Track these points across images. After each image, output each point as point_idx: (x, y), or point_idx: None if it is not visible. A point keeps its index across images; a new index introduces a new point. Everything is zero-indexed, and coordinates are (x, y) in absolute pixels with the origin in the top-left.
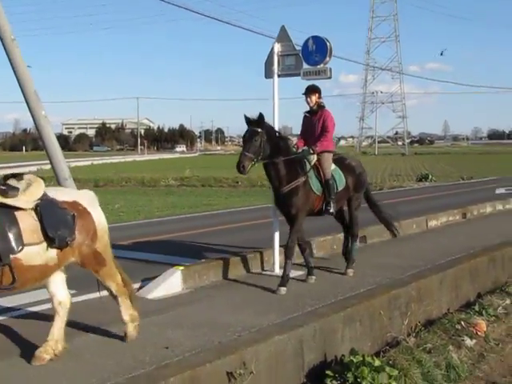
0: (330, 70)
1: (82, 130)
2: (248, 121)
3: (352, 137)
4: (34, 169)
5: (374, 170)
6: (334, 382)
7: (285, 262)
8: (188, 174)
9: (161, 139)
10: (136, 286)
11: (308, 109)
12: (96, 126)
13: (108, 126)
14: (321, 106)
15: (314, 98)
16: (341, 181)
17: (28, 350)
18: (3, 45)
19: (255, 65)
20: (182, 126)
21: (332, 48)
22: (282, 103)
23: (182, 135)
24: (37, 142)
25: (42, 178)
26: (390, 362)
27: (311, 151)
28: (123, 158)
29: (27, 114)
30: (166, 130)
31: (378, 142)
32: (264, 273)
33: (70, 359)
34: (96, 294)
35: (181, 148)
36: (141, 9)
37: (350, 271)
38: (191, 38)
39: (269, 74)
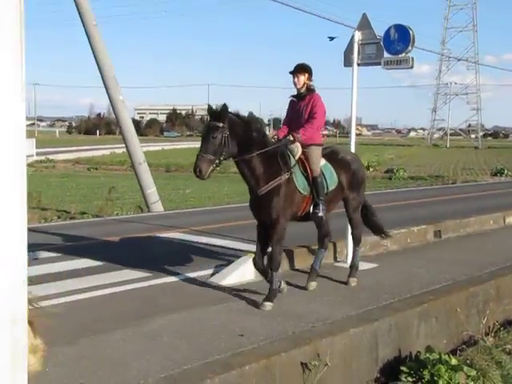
0: (412, 59)
1: (153, 116)
2: (210, 113)
3: (423, 129)
4: (107, 152)
5: (446, 163)
6: (409, 378)
7: (270, 275)
8: None
9: None
10: (209, 271)
11: (295, 92)
12: (167, 111)
13: (178, 112)
14: (310, 90)
15: (303, 78)
16: (332, 178)
17: (106, 328)
18: (85, 30)
19: (331, 54)
20: (250, 113)
21: (415, 37)
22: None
23: None
24: (110, 126)
25: None
26: (468, 361)
27: (291, 138)
28: (193, 143)
29: (102, 99)
30: None
31: (450, 135)
32: (337, 264)
33: (147, 341)
34: (171, 278)
35: None
36: None
37: (352, 280)
38: (264, 24)
39: (348, 62)
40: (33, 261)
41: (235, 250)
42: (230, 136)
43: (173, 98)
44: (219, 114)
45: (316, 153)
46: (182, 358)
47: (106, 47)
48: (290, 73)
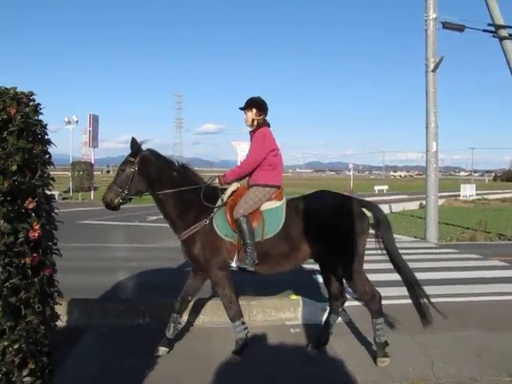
0: None
1: None
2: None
3: None
4: None
5: None
6: None
7: (234, 325)
8: None
9: None
10: None
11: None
12: None
13: None
14: (258, 126)
15: (250, 114)
16: (273, 224)
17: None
18: None
19: None
20: None
21: None
22: None
23: None
24: None
25: None
26: None
27: (216, 181)
28: None
29: None
30: None
31: None
32: None
33: None
34: None
35: None
36: None
37: (381, 360)
38: None
39: None
40: None
41: None
42: (139, 172)
43: None
44: (131, 149)
45: (253, 193)
46: None
47: None
48: (240, 109)
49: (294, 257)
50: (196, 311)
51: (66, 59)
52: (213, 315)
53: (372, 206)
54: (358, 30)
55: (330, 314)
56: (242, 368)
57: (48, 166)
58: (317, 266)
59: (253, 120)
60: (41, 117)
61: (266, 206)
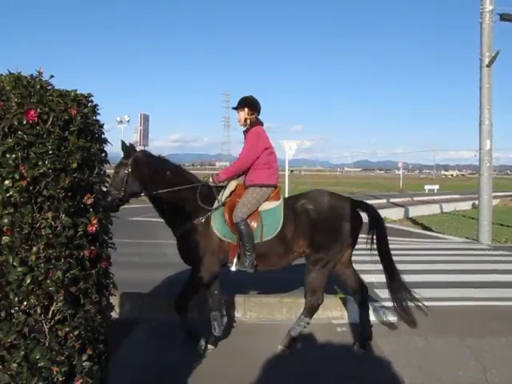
0: None
1: None
2: (122, 150)
3: None
4: None
5: None
6: None
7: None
8: None
9: None
10: None
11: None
12: None
13: None
14: (251, 125)
15: (243, 114)
16: (271, 226)
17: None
18: None
19: None
20: None
21: None
22: None
23: None
24: None
25: None
26: None
27: (210, 180)
28: None
29: None
30: None
31: None
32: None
33: None
34: None
35: None
36: None
37: (280, 348)
38: None
39: None
40: None
41: None
42: (132, 173)
43: None
44: (124, 151)
45: (251, 195)
46: None
47: None
48: (233, 108)
49: (290, 256)
50: (243, 308)
51: (120, 59)
52: (260, 312)
53: (367, 207)
54: (407, 28)
55: (359, 308)
56: (288, 366)
57: (104, 164)
58: (363, 266)
59: (245, 119)
60: (98, 117)
61: (264, 206)
